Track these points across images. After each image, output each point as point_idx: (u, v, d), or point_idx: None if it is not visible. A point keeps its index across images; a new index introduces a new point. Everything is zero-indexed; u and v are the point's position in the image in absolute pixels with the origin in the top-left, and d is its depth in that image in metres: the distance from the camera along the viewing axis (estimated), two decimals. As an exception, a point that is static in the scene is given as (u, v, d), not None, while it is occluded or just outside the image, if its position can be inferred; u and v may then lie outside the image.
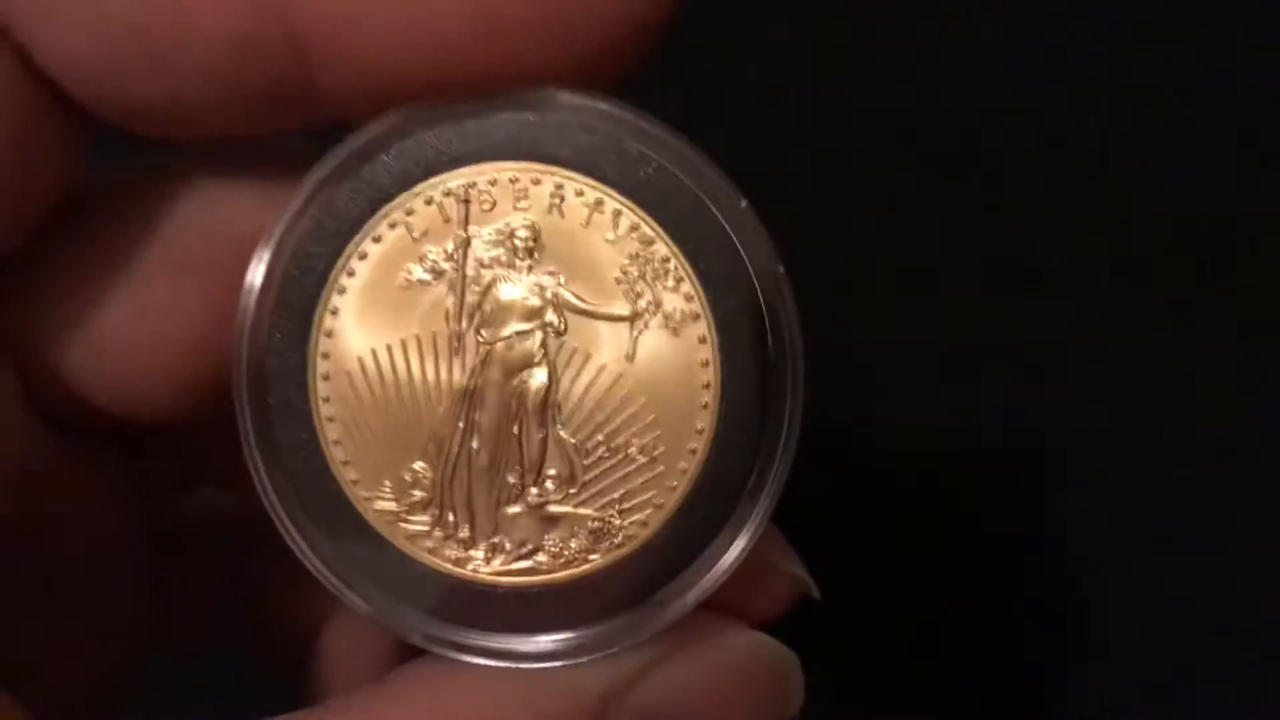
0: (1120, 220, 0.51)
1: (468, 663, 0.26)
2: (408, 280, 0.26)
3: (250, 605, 0.37)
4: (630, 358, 0.26)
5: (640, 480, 0.26)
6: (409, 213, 0.26)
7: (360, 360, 0.26)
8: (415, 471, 0.26)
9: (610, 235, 0.26)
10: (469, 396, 0.26)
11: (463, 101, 0.25)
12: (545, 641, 0.26)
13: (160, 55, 0.24)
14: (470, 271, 0.26)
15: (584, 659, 0.26)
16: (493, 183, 0.26)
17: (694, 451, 0.26)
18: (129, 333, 0.28)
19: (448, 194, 0.26)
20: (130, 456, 0.33)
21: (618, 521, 0.26)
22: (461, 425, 0.26)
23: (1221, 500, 0.49)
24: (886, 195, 0.51)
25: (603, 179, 0.25)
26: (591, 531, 0.26)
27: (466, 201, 0.26)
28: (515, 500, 0.26)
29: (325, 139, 0.26)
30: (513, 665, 0.26)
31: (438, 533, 0.26)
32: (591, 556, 0.26)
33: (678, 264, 0.25)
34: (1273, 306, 0.50)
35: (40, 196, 0.27)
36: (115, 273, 0.28)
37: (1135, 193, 0.51)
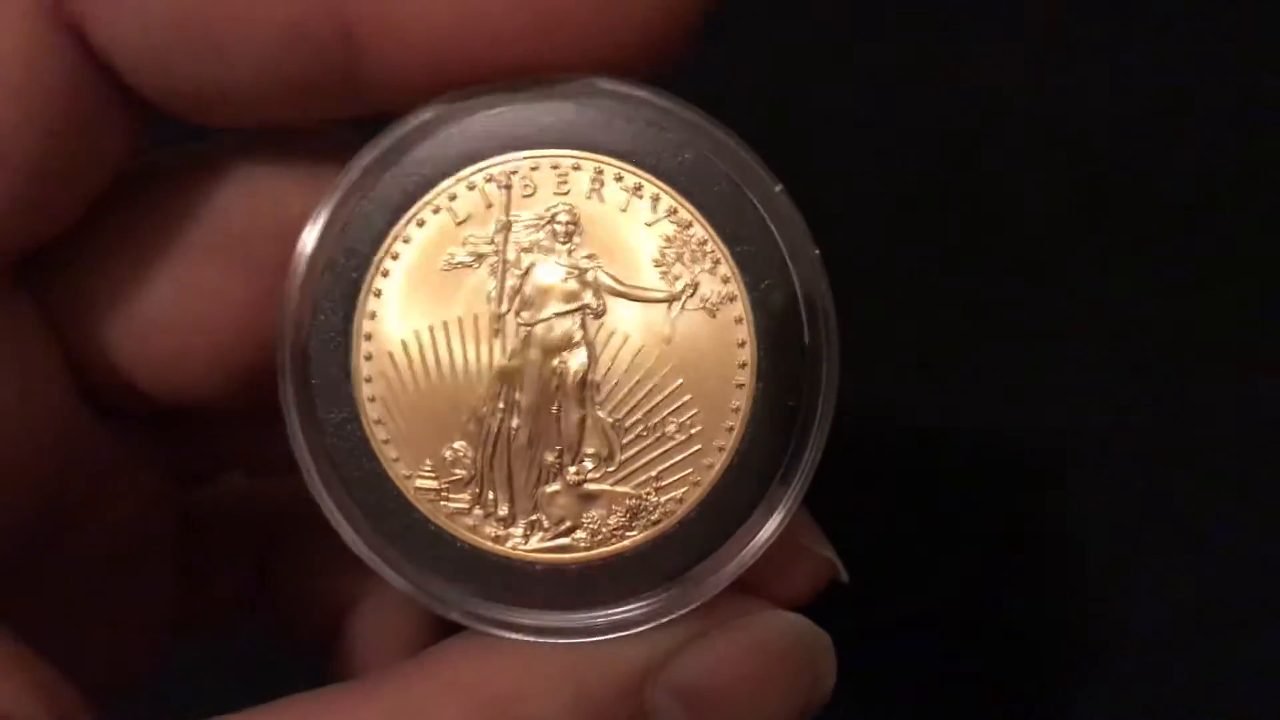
0: (1122, 220, 0.52)
1: (508, 639, 0.26)
2: (450, 264, 0.27)
3: (276, 587, 0.38)
4: (668, 339, 0.26)
5: (677, 458, 0.26)
6: (451, 198, 0.27)
7: (403, 342, 0.27)
8: (455, 450, 0.27)
9: (648, 219, 0.26)
10: (509, 377, 0.27)
11: (506, 89, 0.26)
12: (583, 618, 0.27)
13: (214, 44, 0.25)
14: (511, 255, 0.27)
15: (622, 634, 0.26)
16: (534, 168, 0.26)
17: (730, 430, 0.26)
18: (172, 313, 0.29)
19: (489, 179, 0.27)
20: (164, 442, 0.34)
21: (655, 499, 0.27)
22: (501, 405, 0.27)
23: (1224, 499, 0.50)
24: (887, 195, 0.52)
25: (641, 164, 0.26)
26: (629, 509, 0.27)
27: (508, 187, 0.27)
28: (554, 479, 0.27)
29: (370, 128, 0.27)
30: (552, 641, 0.26)
31: (477, 511, 0.27)
32: (629, 534, 0.27)
33: (715, 246, 0.26)
34: (1275, 306, 0.50)
35: (92, 180, 0.27)
36: (160, 254, 0.29)
37: (1137, 193, 0.52)
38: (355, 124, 0.28)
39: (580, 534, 0.27)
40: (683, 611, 0.26)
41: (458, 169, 0.27)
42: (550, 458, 0.27)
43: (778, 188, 0.26)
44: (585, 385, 0.27)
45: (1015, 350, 0.51)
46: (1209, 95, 0.52)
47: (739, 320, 0.26)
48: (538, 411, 0.27)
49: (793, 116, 0.51)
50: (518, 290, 0.27)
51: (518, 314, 0.27)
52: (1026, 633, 0.51)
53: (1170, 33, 0.52)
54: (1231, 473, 0.50)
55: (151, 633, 0.35)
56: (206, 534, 0.36)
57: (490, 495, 0.27)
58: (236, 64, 0.25)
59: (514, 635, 0.26)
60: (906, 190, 0.52)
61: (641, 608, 0.27)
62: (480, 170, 0.27)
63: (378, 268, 0.27)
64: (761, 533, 0.26)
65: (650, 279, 0.26)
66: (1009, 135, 0.52)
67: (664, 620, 0.26)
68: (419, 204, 0.27)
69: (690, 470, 0.26)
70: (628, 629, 0.26)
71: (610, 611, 0.27)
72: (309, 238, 0.27)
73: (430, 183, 0.27)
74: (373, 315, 0.27)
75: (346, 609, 0.36)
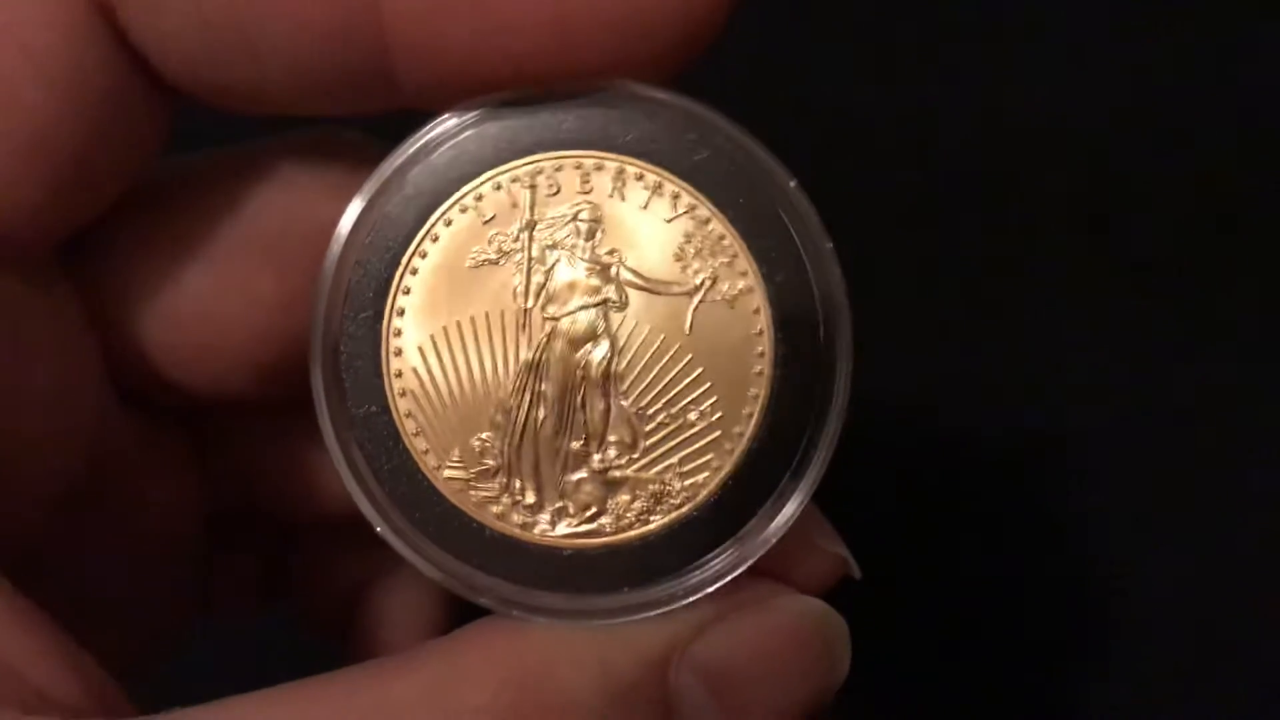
0: (1124, 221, 0.53)
1: (536, 622, 0.27)
2: (477, 261, 0.28)
3: (293, 571, 0.39)
4: (688, 330, 0.27)
5: (698, 445, 0.27)
6: (478, 198, 0.28)
7: (431, 337, 0.28)
8: (483, 441, 0.28)
9: (668, 215, 0.28)
10: (534, 369, 0.28)
11: (532, 93, 0.27)
12: (608, 600, 0.27)
13: (250, 42, 0.26)
14: (536, 252, 0.28)
15: (646, 615, 0.27)
16: (558, 169, 0.28)
17: (750, 416, 0.27)
18: (204, 308, 0.30)
19: (515, 180, 0.28)
20: (190, 436, 0.35)
21: (677, 484, 0.28)
22: (527, 396, 0.28)
23: (1224, 497, 0.51)
24: (891, 196, 0.53)
25: (661, 163, 0.27)
26: (652, 494, 0.28)
27: (533, 187, 0.28)
28: (579, 466, 0.28)
29: (401, 125, 0.28)
30: (579, 624, 0.27)
31: (505, 499, 0.28)
32: (652, 518, 0.28)
33: (732, 241, 0.27)
34: (1274, 307, 0.52)
35: (127, 166, 0.29)
36: (196, 250, 0.30)
37: (1140, 195, 0.53)
38: (388, 118, 0.29)
39: (605, 519, 0.28)
40: (704, 593, 0.27)
41: (484, 170, 0.28)
42: (575, 446, 0.28)
43: (792, 183, 0.27)
44: (609, 376, 0.28)
45: (1017, 349, 0.52)
46: (1212, 97, 0.53)
47: (756, 311, 0.27)
48: (563, 402, 0.28)
49: (796, 118, 0.52)
50: (542, 286, 0.28)
51: (543, 308, 0.28)
52: (1026, 628, 0.51)
53: (1174, 38, 0.53)
54: (1232, 471, 0.51)
55: (172, 616, 0.36)
56: (227, 522, 0.37)
57: (517, 484, 0.28)
58: (269, 63, 0.27)
59: (542, 619, 0.27)
60: (911, 191, 0.53)
61: (664, 590, 0.27)
62: (506, 171, 0.28)
63: (407, 265, 0.28)
64: (781, 515, 0.27)
65: (670, 273, 0.28)
66: (1013, 137, 0.54)
67: (686, 602, 0.27)
68: (447, 204, 0.28)
69: (711, 456, 0.27)
70: (651, 610, 0.27)
71: (634, 593, 0.27)
72: (340, 236, 0.28)
73: (458, 183, 0.28)
74: (401, 312, 0.28)
75: (362, 591, 0.37)
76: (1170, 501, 0.51)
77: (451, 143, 0.28)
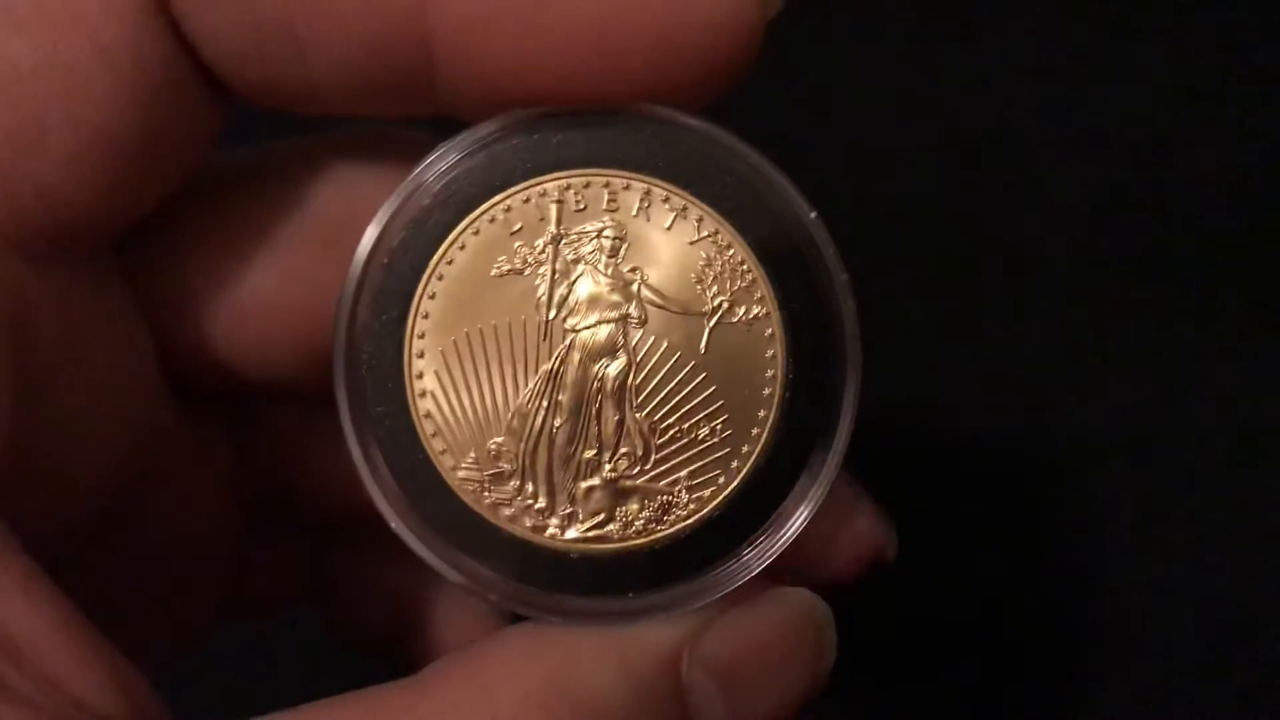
0: (1129, 229, 0.54)
1: (547, 620, 0.28)
2: (501, 271, 0.29)
3: (335, 577, 0.39)
4: (703, 349, 0.29)
5: (707, 460, 0.29)
6: (507, 210, 0.29)
7: (454, 341, 0.29)
8: (499, 445, 0.29)
9: (691, 238, 0.29)
10: (552, 378, 0.29)
11: (567, 112, 0.28)
12: (619, 603, 0.28)
13: (298, 41, 0.27)
14: (560, 266, 0.29)
15: (656, 617, 0.28)
16: (586, 186, 0.29)
17: (758, 436, 0.28)
18: (269, 299, 0.31)
19: (543, 194, 0.29)
20: (231, 428, 0.36)
21: (685, 497, 0.29)
22: (544, 404, 0.29)
23: (1226, 502, 0.52)
24: (900, 198, 0.53)
25: (687, 188, 0.28)
26: (660, 505, 0.29)
27: (560, 202, 0.29)
28: (591, 475, 0.29)
29: (450, 126, 0.29)
30: (592, 626, 0.28)
31: (518, 502, 0.29)
32: (659, 528, 0.29)
33: (751, 267, 0.28)
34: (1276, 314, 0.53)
35: (180, 163, 0.29)
36: (259, 242, 0.31)
37: (1144, 203, 0.54)
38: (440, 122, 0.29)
39: (614, 526, 0.29)
40: (709, 600, 0.29)
41: (514, 183, 0.29)
42: (588, 455, 0.29)
43: (812, 214, 0.29)
44: (624, 389, 0.29)
45: (1023, 357, 0.53)
46: (1219, 103, 0.54)
47: (770, 336, 0.28)
48: (578, 412, 0.29)
49: (796, 119, 0.52)
50: (565, 298, 0.29)
51: (564, 320, 0.29)
52: (1029, 632, 0.52)
53: (1185, 38, 0.54)
54: (1234, 476, 0.52)
55: (202, 612, 0.37)
56: (266, 518, 0.37)
57: (530, 488, 0.29)
58: (315, 63, 0.27)
59: (553, 617, 0.28)
60: (918, 200, 0.54)
61: (672, 595, 0.29)
62: (535, 185, 0.29)
63: (433, 272, 0.29)
64: (783, 532, 0.29)
65: (690, 295, 0.29)
66: (1019, 145, 0.54)
67: (696, 605, 0.28)
68: (475, 213, 0.29)
69: (719, 471, 0.29)
70: (659, 613, 0.28)
71: (642, 597, 0.29)
72: (371, 236, 0.28)
73: (488, 194, 0.29)
74: (426, 316, 0.29)
75: (408, 600, 0.38)
76: (1174, 505, 0.52)
77: (484, 153, 0.28)
